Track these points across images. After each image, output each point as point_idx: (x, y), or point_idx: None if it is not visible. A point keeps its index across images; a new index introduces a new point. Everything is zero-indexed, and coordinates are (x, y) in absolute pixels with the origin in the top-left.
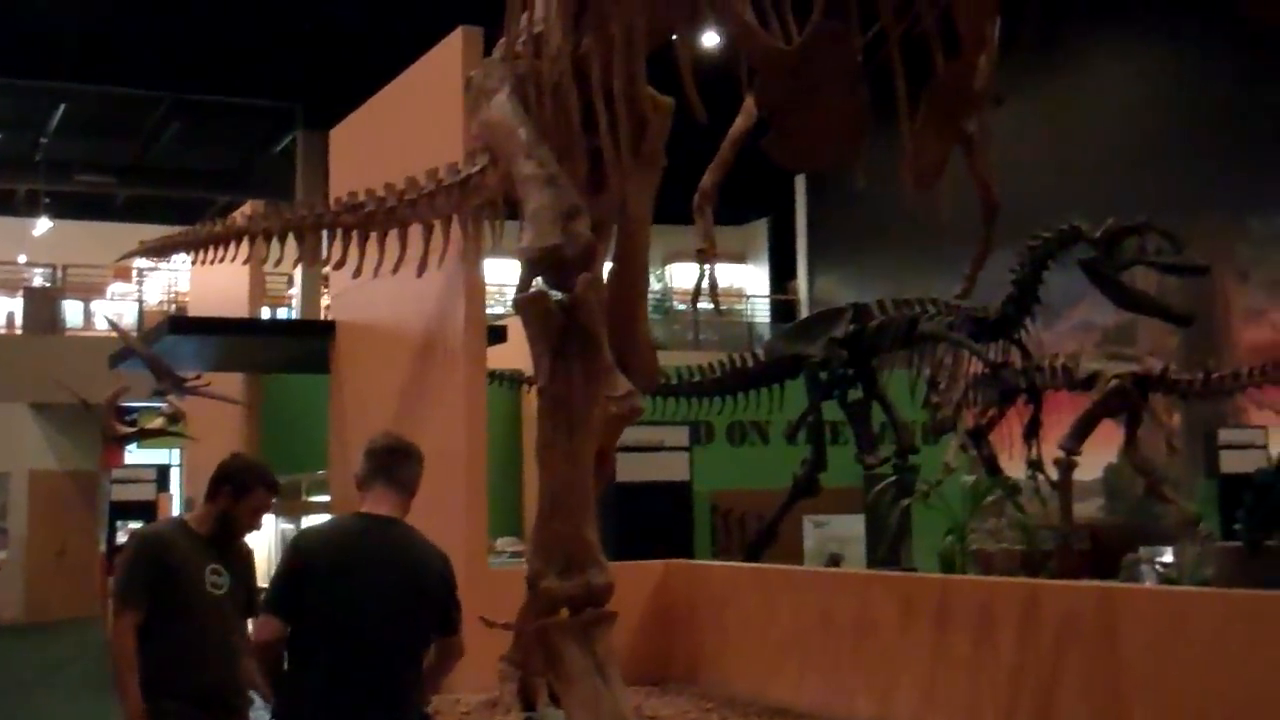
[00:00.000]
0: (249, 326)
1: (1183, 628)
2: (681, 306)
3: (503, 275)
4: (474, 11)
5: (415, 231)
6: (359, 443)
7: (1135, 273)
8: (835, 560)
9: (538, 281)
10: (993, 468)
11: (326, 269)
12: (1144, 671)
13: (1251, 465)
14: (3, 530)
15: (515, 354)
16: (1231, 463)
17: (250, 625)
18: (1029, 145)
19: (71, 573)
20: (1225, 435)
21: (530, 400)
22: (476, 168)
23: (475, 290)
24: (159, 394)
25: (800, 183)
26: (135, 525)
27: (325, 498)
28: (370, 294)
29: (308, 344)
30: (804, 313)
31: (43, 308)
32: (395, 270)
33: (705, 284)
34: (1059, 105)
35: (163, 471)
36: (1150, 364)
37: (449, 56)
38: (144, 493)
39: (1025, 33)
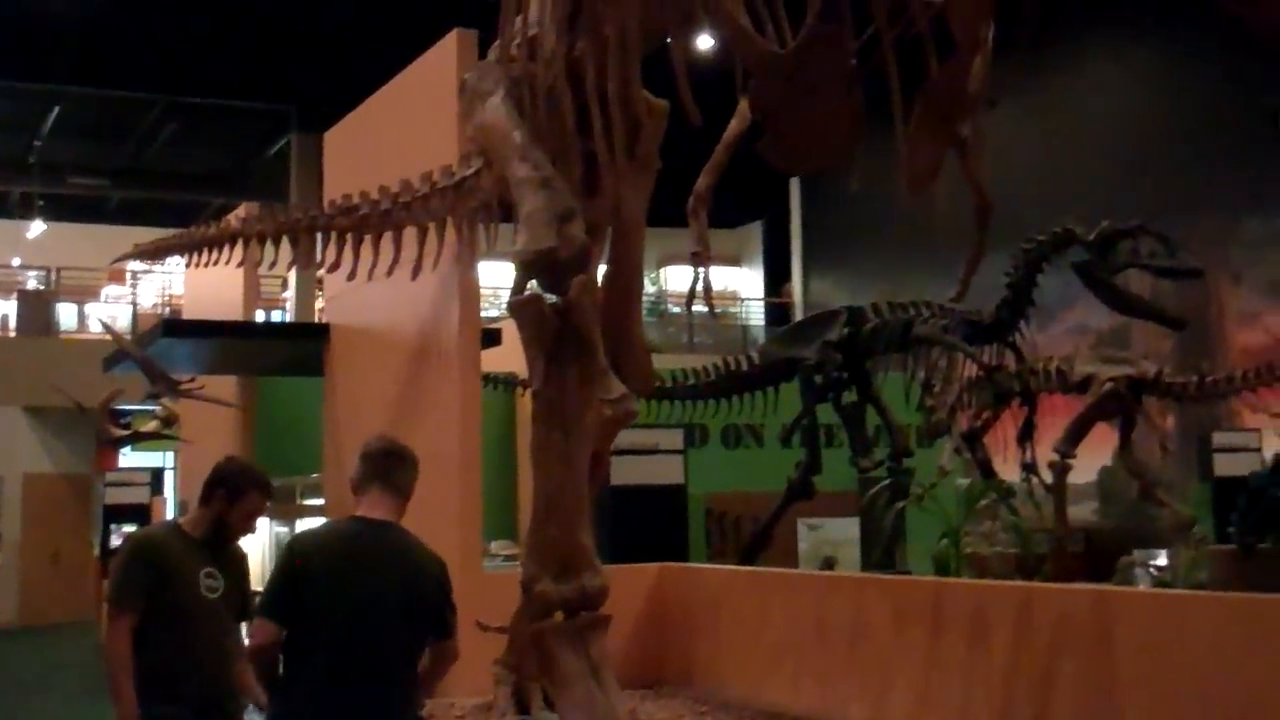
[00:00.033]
0: (243, 329)
1: (1177, 631)
2: (676, 309)
3: (497, 278)
4: (469, 14)
5: (410, 234)
6: (353, 446)
7: (1129, 276)
8: (830, 563)
9: (532, 284)
10: (987, 471)
11: (321, 272)
12: (1138, 675)
13: (1245, 468)
14: None
15: (510, 357)
16: (1225, 466)
17: (244, 629)
18: (1023, 148)
19: (66, 576)
20: (1219, 438)
21: (525, 403)
22: (471, 170)
23: (470, 293)
24: (153, 397)
25: (795, 186)
26: (129, 528)
27: (319, 501)
28: (365, 297)
29: (302, 347)
30: (799, 316)
31: (37, 310)
32: (390, 273)
33: (700, 287)
34: (1053, 108)
35: (157, 475)
36: (1144, 367)
37: (443, 59)
38: (138, 496)
39: (1020, 36)
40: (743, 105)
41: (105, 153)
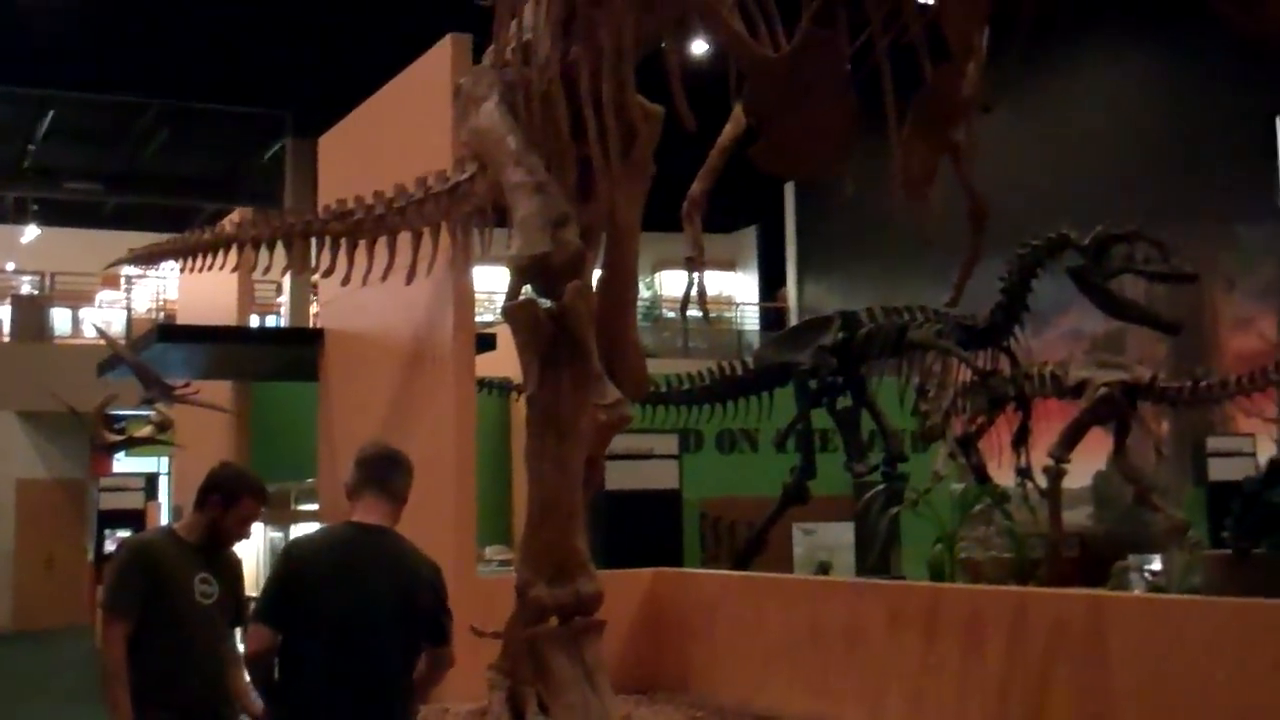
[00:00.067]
0: (238, 334)
1: (1172, 636)
2: (671, 314)
3: (492, 283)
4: (463, 19)
5: (404, 239)
6: (348, 451)
7: (1124, 281)
8: (824, 568)
9: (527, 289)
10: (982, 476)
11: (315, 276)
12: (1133, 679)
13: (1240, 473)
14: None
15: (504, 362)
16: (1220, 470)
17: (239, 635)
18: (1018, 153)
19: (60, 582)
20: (1213, 443)
21: (519, 408)
22: (465, 175)
23: (464, 298)
24: (147, 402)
25: (789, 190)
26: (124, 534)
27: (314, 506)
28: (359, 302)
29: (296, 352)
30: (793, 320)
31: (31, 316)
32: (384, 278)
33: (694, 292)
34: (1048, 114)
35: (151, 480)
36: (1139, 372)
37: (438, 64)
38: (132, 501)
39: (1014, 42)
40: (737, 110)
41: (100, 157)
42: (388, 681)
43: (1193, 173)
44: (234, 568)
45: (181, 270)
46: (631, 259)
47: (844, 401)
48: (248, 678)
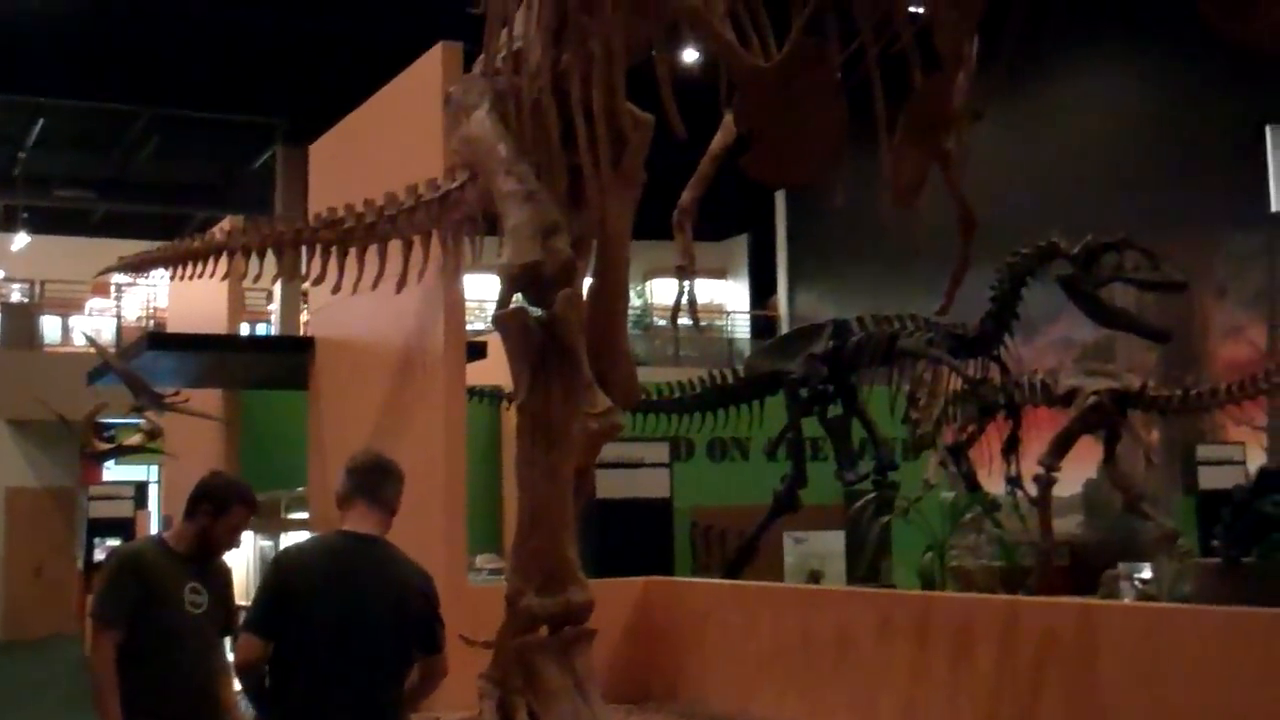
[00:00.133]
0: (228, 342)
1: (1161, 644)
2: (661, 322)
3: (482, 291)
4: (454, 27)
5: (395, 247)
6: (338, 460)
7: (1113, 289)
8: (815, 577)
9: (517, 298)
10: (972, 484)
11: (306, 285)
12: (1123, 688)
13: (1230, 481)
14: None
15: (495, 370)
16: (1210, 479)
17: (228, 644)
18: (1008, 162)
19: (49, 590)
20: (1203, 451)
21: (510, 417)
22: (456, 183)
23: (455, 306)
24: (137, 410)
25: (780, 199)
26: (113, 542)
27: (304, 515)
28: (349, 310)
29: (287, 360)
30: (784, 329)
31: (20, 323)
32: (374, 286)
33: (685, 300)
34: (1038, 122)
35: (141, 488)
36: (1129, 380)
37: (429, 72)
38: (122, 510)
39: (1005, 50)
40: (728, 119)
41: (90, 165)
42: (379, 690)
43: (1183, 181)
44: (224, 577)
45: (172, 278)
46: (622, 267)
47: (835, 410)
48: (237, 687)
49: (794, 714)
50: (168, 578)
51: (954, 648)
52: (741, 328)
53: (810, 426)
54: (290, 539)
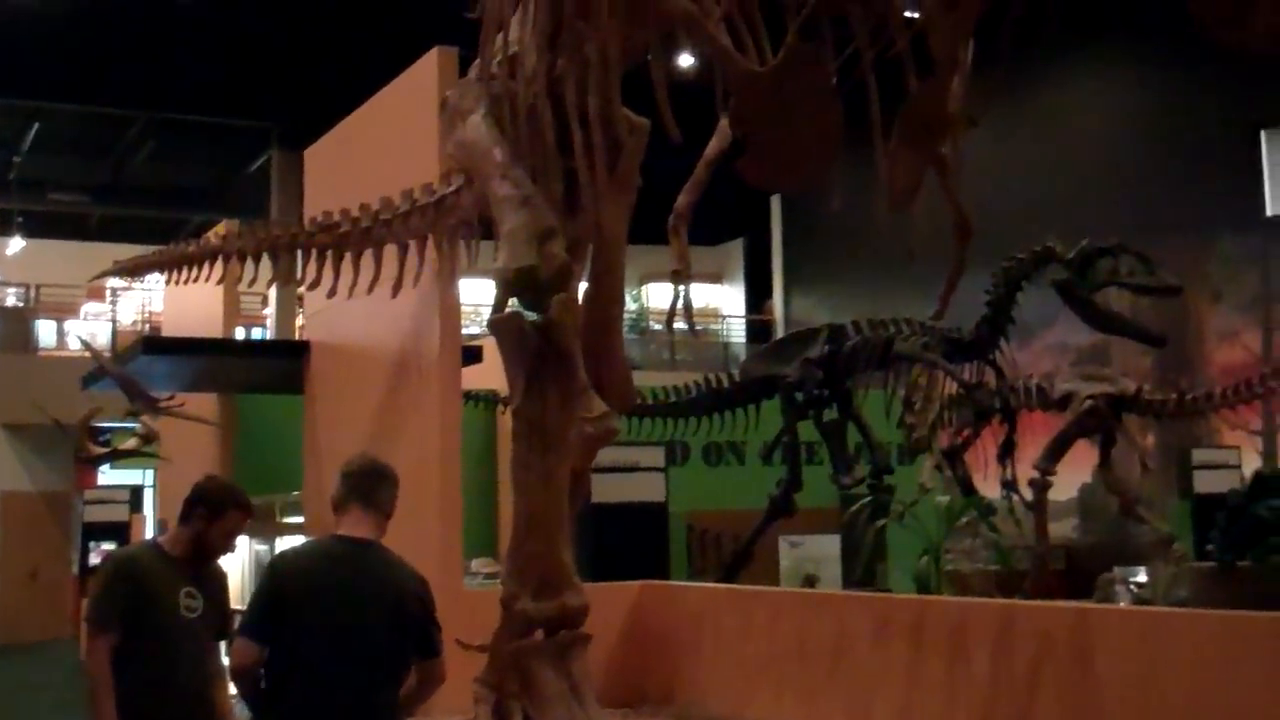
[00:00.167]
0: (223, 347)
1: (1157, 648)
2: (657, 327)
3: (478, 295)
4: (449, 32)
5: (390, 251)
6: (333, 464)
7: (1109, 294)
8: (811, 581)
9: (513, 302)
10: (967, 488)
11: (301, 289)
12: (1119, 692)
13: (1225, 485)
14: None
15: (490, 374)
16: (1205, 483)
17: (223, 648)
18: (1004, 167)
19: (44, 594)
20: (1199, 455)
21: (505, 421)
22: (451, 188)
23: (450, 310)
24: (132, 414)
25: (776, 203)
26: (108, 546)
27: (299, 519)
28: (345, 314)
29: (282, 364)
30: (780, 333)
31: (16, 327)
32: (370, 290)
33: (680, 304)
34: (1034, 128)
35: (136, 492)
36: (1124, 384)
37: (424, 77)
38: (117, 514)
39: (1000, 56)
40: (723, 123)
41: (86, 169)
42: (374, 695)
43: (1179, 185)
44: (219, 581)
45: (167, 282)
46: (618, 271)
47: (830, 414)
48: (233, 691)
49: (790, 718)
50: (163, 582)
51: (949, 652)
52: (737, 332)
53: (806, 431)
54: (285, 543)
